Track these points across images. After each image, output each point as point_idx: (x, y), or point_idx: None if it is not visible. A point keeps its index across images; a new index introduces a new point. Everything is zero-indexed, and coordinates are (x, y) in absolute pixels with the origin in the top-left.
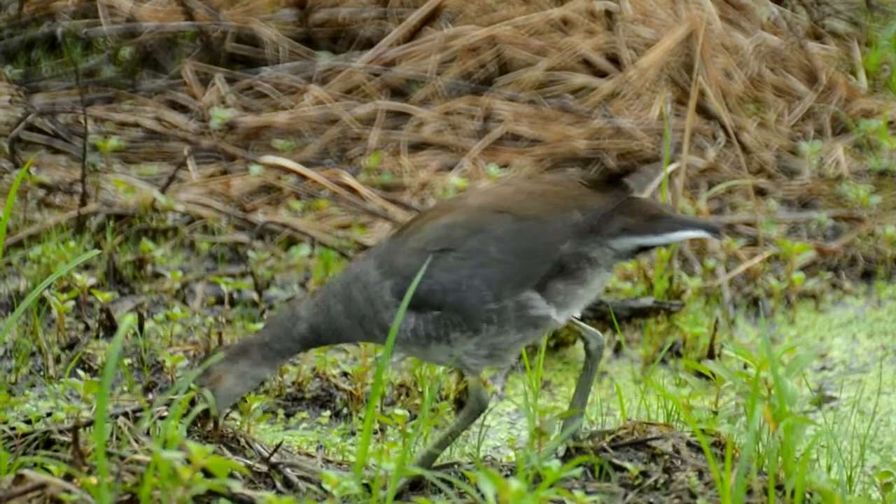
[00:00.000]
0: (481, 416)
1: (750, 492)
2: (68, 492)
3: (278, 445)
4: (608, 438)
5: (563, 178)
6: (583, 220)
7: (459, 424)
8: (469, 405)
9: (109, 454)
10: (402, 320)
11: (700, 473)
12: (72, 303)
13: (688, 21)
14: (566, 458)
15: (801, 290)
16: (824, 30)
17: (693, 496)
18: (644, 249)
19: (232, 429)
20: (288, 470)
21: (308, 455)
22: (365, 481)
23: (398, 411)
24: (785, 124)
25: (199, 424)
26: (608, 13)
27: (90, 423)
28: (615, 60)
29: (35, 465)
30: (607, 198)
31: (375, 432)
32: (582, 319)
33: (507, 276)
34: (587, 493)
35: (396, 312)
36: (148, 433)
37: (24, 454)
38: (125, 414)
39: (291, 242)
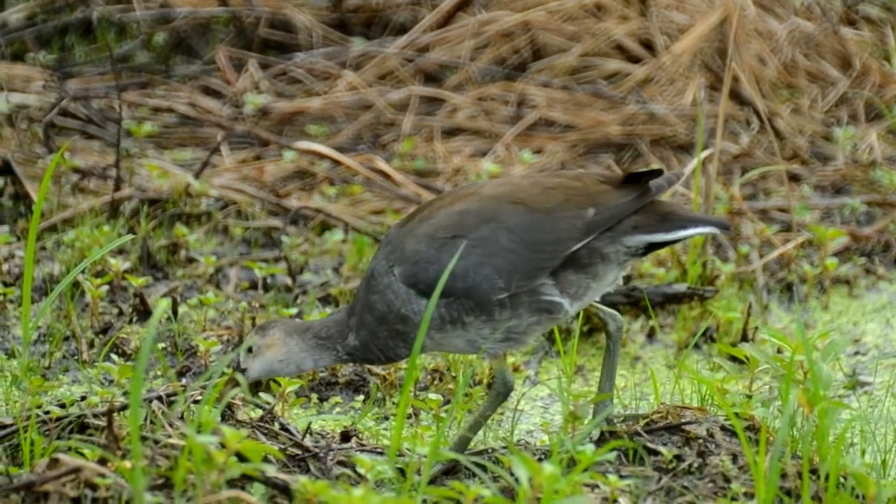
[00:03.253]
0: (508, 398)
1: (784, 476)
2: (103, 475)
3: (308, 428)
4: (642, 422)
5: (583, 174)
6: (596, 218)
7: (488, 407)
8: (495, 388)
9: (144, 438)
10: (416, 306)
11: (734, 457)
12: (106, 287)
13: (721, 7)
14: (600, 442)
15: (834, 275)
16: (858, 15)
17: (727, 480)
18: (655, 246)
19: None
20: (322, 454)
21: (344, 438)
22: (399, 466)
23: (432, 396)
24: (818, 110)
25: (229, 384)
26: None
27: (124, 408)
28: (649, 46)
29: (69, 449)
30: (625, 197)
31: (409, 417)
32: (614, 305)
33: (516, 267)
34: (621, 477)
35: (408, 300)
36: (182, 417)
37: (59, 438)
38: (159, 398)
39: (325, 227)
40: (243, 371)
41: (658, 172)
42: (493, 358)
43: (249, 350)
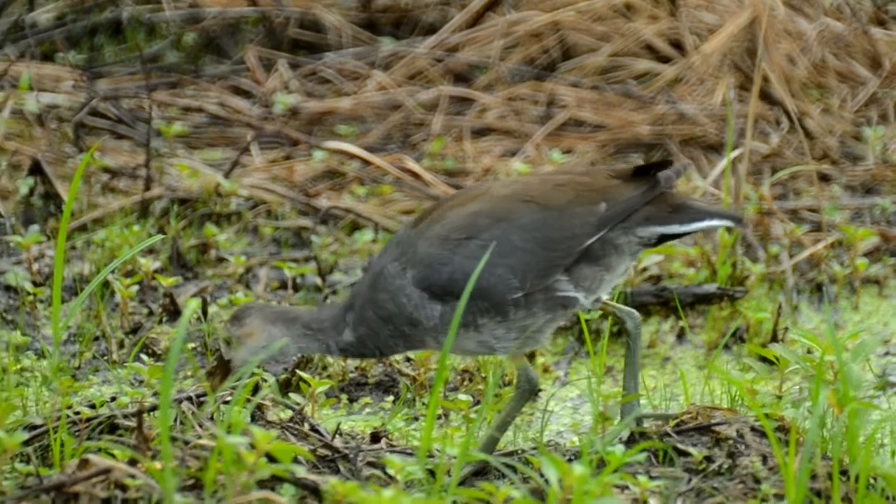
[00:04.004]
0: (533, 396)
1: (814, 476)
2: (133, 476)
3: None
4: (672, 423)
5: (592, 170)
6: (608, 213)
7: (514, 406)
8: (519, 386)
9: (174, 439)
10: (428, 309)
11: (764, 458)
12: (136, 287)
13: (751, 6)
14: (630, 442)
15: (864, 275)
16: (887, 15)
17: (757, 481)
18: (667, 238)
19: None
20: (352, 454)
21: (374, 439)
22: (429, 466)
23: (462, 397)
24: (848, 110)
25: (212, 375)
26: None
27: (154, 408)
28: (678, 46)
29: (99, 449)
30: (636, 191)
31: (439, 417)
32: (644, 305)
33: (530, 266)
34: (651, 478)
35: (421, 304)
36: (212, 418)
37: (89, 439)
38: (189, 399)
39: (355, 227)
40: (229, 362)
41: (666, 164)
42: (511, 358)
43: (229, 342)
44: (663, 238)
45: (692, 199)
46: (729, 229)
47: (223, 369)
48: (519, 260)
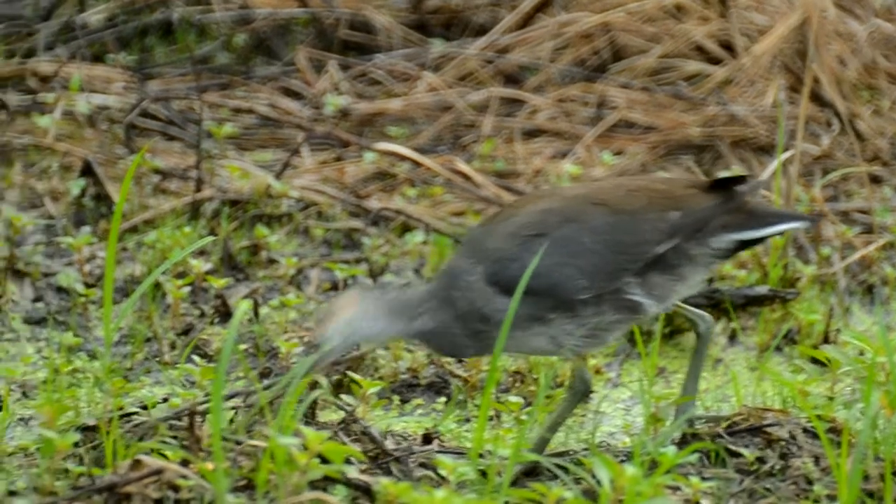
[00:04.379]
0: (587, 398)
1: (866, 478)
2: (185, 477)
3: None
4: (724, 425)
5: (668, 179)
6: (681, 221)
7: (566, 407)
8: (574, 387)
9: (225, 440)
10: (498, 304)
11: (816, 459)
12: (187, 288)
13: (801, 7)
14: (682, 444)
15: None
16: None
17: (809, 482)
18: (742, 246)
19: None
20: (404, 455)
21: (426, 440)
22: (481, 467)
23: (513, 398)
24: None
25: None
26: (721, 0)
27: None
28: (729, 47)
29: (152, 450)
30: (711, 202)
31: (490, 419)
32: (696, 307)
33: (598, 268)
34: (703, 479)
35: (490, 299)
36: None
37: (141, 439)
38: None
39: (406, 229)
40: (321, 346)
41: (743, 179)
42: (576, 356)
43: (322, 322)
44: (738, 247)
45: (763, 204)
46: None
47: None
48: (587, 261)
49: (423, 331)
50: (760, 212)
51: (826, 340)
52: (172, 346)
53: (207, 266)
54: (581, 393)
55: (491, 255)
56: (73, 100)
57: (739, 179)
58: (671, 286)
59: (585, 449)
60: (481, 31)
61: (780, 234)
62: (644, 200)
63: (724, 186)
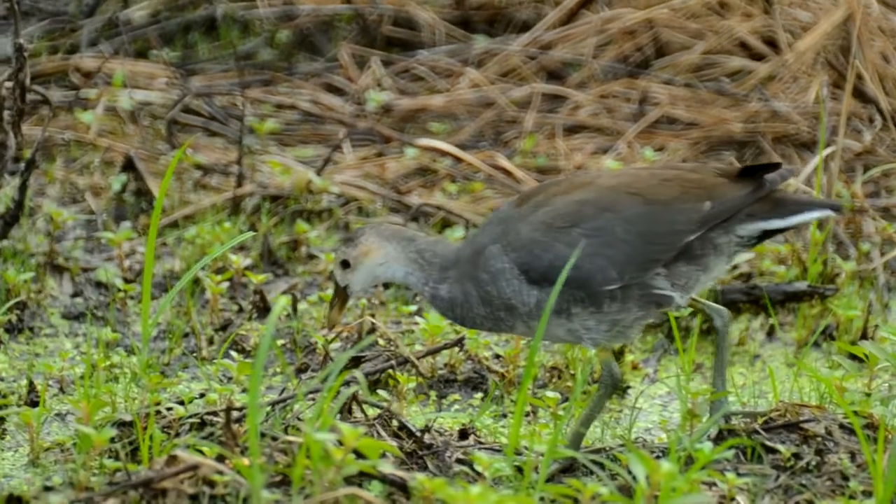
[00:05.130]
0: (617, 391)
1: None
2: (220, 473)
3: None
4: (760, 420)
5: (699, 167)
6: (712, 211)
7: (598, 402)
8: (603, 381)
9: (262, 435)
10: (525, 294)
11: (852, 455)
12: (226, 284)
13: (845, 4)
14: (718, 440)
15: None
16: None
17: (845, 478)
18: (768, 235)
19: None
20: (440, 451)
21: (462, 435)
22: (517, 463)
23: (550, 394)
24: None
25: (332, 306)
26: None
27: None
28: (772, 43)
29: (188, 446)
30: (742, 191)
31: (527, 414)
32: (734, 303)
33: (630, 258)
34: (739, 475)
35: (519, 290)
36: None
37: (177, 435)
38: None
39: (446, 224)
40: (345, 289)
41: (774, 167)
42: (600, 350)
43: (345, 265)
44: (763, 236)
45: (788, 193)
46: (820, 225)
47: (341, 297)
48: (620, 251)
49: (442, 297)
50: (787, 200)
51: (864, 336)
52: (210, 342)
53: (247, 261)
54: (610, 387)
55: (524, 244)
56: (116, 95)
57: (768, 168)
58: (696, 276)
59: (621, 445)
60: (524, 27)
61: (807, 222)
62: (677, 190)
63: (753, 175)
